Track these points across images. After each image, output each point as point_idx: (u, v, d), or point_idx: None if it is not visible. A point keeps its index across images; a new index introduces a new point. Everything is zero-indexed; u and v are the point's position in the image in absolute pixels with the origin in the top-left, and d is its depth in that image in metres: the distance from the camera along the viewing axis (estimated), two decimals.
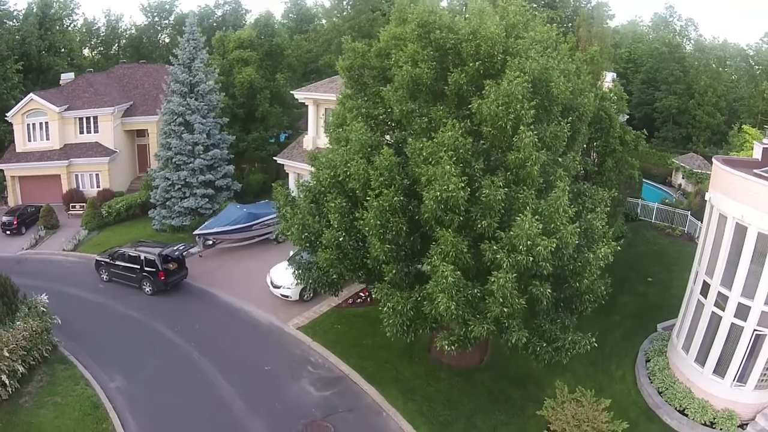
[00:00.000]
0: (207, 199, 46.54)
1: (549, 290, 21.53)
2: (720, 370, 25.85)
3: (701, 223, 29.05)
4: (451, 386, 28.31)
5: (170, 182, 46.32)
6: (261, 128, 55.32)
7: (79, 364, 29.18)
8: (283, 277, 35.51)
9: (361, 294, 35.80)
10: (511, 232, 20.77)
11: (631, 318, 32.77)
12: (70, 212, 52.10)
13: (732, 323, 25.10)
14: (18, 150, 54.82)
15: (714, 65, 74.48)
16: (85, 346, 30.59)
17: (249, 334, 32.74)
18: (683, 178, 57.38)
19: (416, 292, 23.07)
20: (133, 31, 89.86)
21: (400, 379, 28.67)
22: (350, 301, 35.59)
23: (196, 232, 42.80)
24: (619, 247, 22.90)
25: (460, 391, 28.02)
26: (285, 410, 26.60)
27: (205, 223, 43.56)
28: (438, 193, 21.17)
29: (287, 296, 35.33)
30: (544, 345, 22.95)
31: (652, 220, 45.77)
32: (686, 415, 25.65)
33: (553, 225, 21.07)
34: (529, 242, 20.22)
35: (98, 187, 54.53)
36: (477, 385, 28.44)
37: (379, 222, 22.55)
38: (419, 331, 23.83)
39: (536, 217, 20.77)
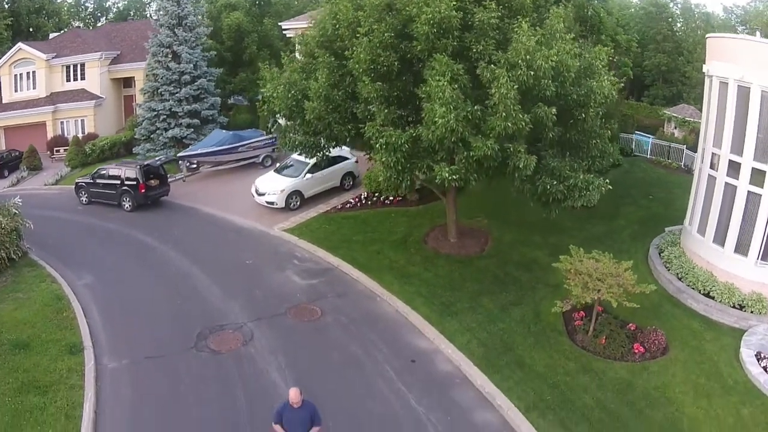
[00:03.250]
0: (192, 129, 42.90)
1: (553, 113, 19.16)
2: (741, 248, 22.26)
3: (697, 154, 26.33)
4: (451, 271, 24.62)
5: (155, 113, 42.93)
6: (248, 71, 51.70)
7: (47, 266, 25.61)
8: (268, 184, 32.26)
9: (351, 200, 32.48)
10: (508, 53, 18.76)
11: (637, 223, 29.14)
12: (53, 156, 48.53)
13: (748, 191, 21.80)
14: (4, 101, 51.68)
15: (700, 26, 71.20)
16: (56, 254, 26.94)
17: (230, 237, 29.16)
18: (675, 127, 54.13)
19: (411, 129, 20.32)
20: (121, 7, 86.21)
21: (395, 267, 24.96)
22: (339, 206, 32.06)
23: (179, 154, 39.20)
24: (622, 83, 21.44)
25: (462, 275, 24.32)
26: (266, 297, 22.98)
27: (189, 147, 40.16)
28: (431, 15, 18.94)
29: (272, 203, 31.64)
30: (555, 183, 20.33)
31: (648, 156, 42.53)
32: (712, 298, 21.94)
33: (552, 50, 18.91)
34: (528, 57, 18.41)
35: (83, 133, 50.90)
36: (480, 270, 24.76)
37: (369, 57, 20.18)
38: (415, 171, 21.24)
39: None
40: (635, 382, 17.63)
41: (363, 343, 19.86)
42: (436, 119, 18.33)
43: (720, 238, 22.99)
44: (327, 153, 26.63)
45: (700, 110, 29.56)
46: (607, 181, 20.81)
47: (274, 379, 17.69)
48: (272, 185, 31.97)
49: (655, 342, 19.25)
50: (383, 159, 20.30)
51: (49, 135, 50.64)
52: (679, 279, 23.34)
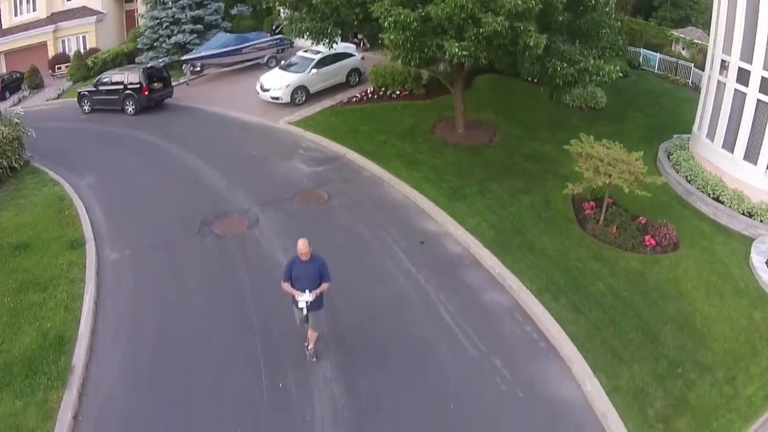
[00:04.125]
0: (195, 35, 41.28)
1: None
2: (751, 156, 21.20)
3: (704, 72, 25.54)
4: (459, 159, 23.61)
5: (158, 21, 41.32)
6: None
7: (50, 172, 24.63)
8: (273, 80, 31.14)
9: (357, 95, 31.39)
10: None
11: (645, 128, 27.89)
12: (54, 74, 46.89)
13: (758, 100, 20.68)
14: (5, 26, 49.85)
15: None
16: (58, 160, 25.85)
17: (235, 132, 28.23)
18: (683, 48, 52.40)
19: (420, 8, 19.42)
20: None
21: (402, 155, 23.95)
22: (345, 101, 30.90)
23: (183, 57, 38.07)
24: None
25: (470, 162, 23.28)
26: (271, 184, 22.20)
27: (193, 50, 38.84)
28: None
29: (277, 98, 30.47)
30: (565, 66, 19.52)
31: (655, 71, 40.91)
32: (722, 203, 21.00)
33: None
34: None
35: (85, 49, 49.24)
36: (488, 159, 23.74)
37: None
38: (425, 50, 20.04)
39: None
40: (647, 273, 16.76)
41: (370, 225, 19.04)
42: None
43: (729, 145, 22.00)
44: (334, 41, 25.30)
45: (708, 34, 28.42)
46: (617, 68, 20.18)
47: (280, 261, 16.78)
48: (277, 80, 30.85)
49: (666, 236, 18.34)
50: (392, 38, 19.22)
51: (50, 54, 49.04)
52: (688, 181, 22.44)
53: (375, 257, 17.38)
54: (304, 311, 12.30)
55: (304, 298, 12.06)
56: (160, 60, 35.41)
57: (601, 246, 17.92)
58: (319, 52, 31.03)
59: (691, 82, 37.35)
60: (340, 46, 30.76)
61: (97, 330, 14.54)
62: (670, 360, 13.38)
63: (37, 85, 44.00)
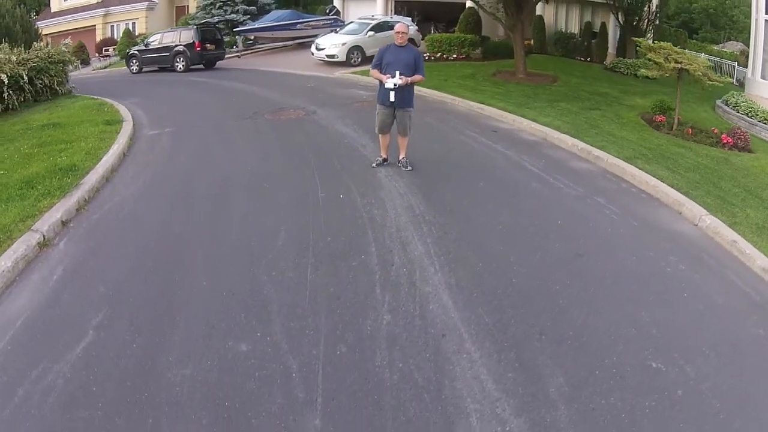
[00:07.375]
0: (249, 16, 40.12)
1: None
2: None
3: (751, 17, 25.70)
4: (523, 89, 21.96)
5: (211, 1, 40.23)
6: None
7: (92, 96, 22.31)
8: (329, 40, 29.91)
9: None
10: None
11: (698, 93, 24.68)
12: (101, 56, 45.78)
13: None
14: (53, 10, 49.94)
15: None
16: (103, 93, 23.28)
17: (289, 79, 26.28)
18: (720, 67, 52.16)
19: None
20: None
21: (465, 86, 22.17)
22: None
23: (236, 29, 36.82)
24: None
25: (535, 92, 21.58)
26: (330, 99, 20.26)
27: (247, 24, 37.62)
28: None
29: (333, 56, 29.00)
30: None
31: None
32: None
33: None
34: None
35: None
36: (553, 92, 22.07)
37: None
38: None
39: None
40: (731, 159, 15.20)
41: (439, 117, 17.14)
42: None
43: None
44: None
45: (748, 46, 28.77)
46: None
47: (340, 130, 15.06)
48: (333, 40, 29.64)
49: (742, 137, 17.02)
50: None
51: (98, 38, 48.43)
52: (750, 117, 21.76)
53: (448, 136, 15.37)
54: (391, 97, 10.78)
55: (394, 80, 10.66)
56: (215, 17, 33.75)
57: (679, 140, 16.53)
58: (374, 18, 30.38)
59: (736, 80, 37.01)
60: (395, 17, 30.44)
61: (119, 168, 12.22)
62: None
63: (83, 61, 42.56)
